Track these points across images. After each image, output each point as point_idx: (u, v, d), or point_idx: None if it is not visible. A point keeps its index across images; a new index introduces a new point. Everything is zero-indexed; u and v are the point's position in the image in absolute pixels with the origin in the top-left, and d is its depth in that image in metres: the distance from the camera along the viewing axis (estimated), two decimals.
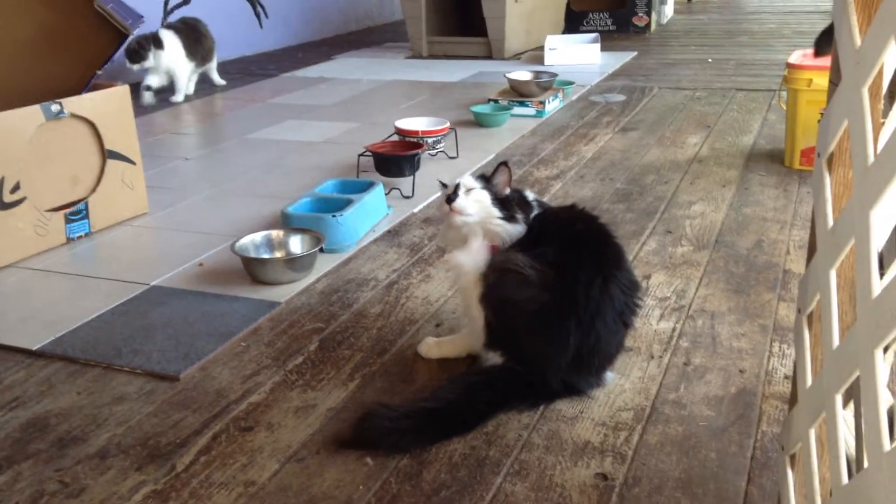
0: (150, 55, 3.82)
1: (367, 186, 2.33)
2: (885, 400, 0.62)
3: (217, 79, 4.46)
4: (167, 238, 2.30)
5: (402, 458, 1.31)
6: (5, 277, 2.04)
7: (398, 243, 2.21)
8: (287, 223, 2.14)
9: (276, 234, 2.09)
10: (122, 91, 2.36)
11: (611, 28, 5.95)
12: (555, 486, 1.24)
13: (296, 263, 1.98)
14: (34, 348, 1.69)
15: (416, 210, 2.44)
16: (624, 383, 1.51)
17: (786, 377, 1.51)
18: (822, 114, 0.91)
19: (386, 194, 2.42)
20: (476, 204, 1.52)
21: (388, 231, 2.29)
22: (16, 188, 2.08)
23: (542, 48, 4.94)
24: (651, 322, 1.73)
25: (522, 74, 3.74)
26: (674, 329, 1.70)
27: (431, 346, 1.63)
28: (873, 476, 0.61)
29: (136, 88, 3.75)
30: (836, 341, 0.77)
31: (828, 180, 0.86)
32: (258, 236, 2.07)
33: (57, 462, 1.33)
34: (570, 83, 3.94)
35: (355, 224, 2.17)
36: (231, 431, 1.40)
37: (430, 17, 5.25)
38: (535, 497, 1.22)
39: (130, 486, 1.27)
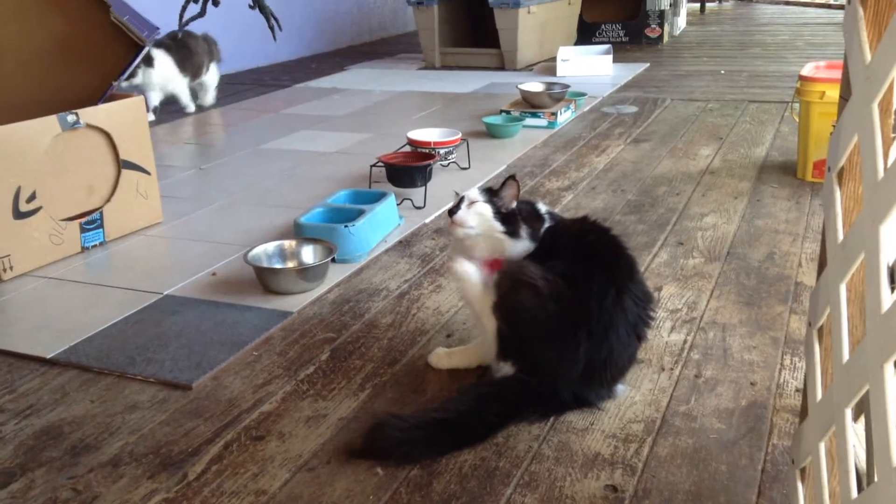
0: (140, 72, 3.75)
1: (380, 197, 2.34)
2: (895, 414, 0.62)
3: (208, 98, 4.27)
4: (181, 247, 2.32)
5: (412, 469, 1.32)
6: (21, 286, 2.06)
7: (409, 254, 2.22)
8: (299, 233, 2.15)
9: (289, 244, 2.10)
10: (137, 102, 2.38)
11: (623, 39, 5.96)
12: (565, 497, 1.24)
13: (308, 273, 1.99)
14: (48, 356, 1.70)
15: (427, 221, 2.45)
16: (634, 395, 1.51)
17: (797, 390, 1.51)
18: (834, 126, 0.91)
19: (398, 205, 2.43)
20: (477, 217, 1.52)
21: (400, 241, 2.30)
22: (32, 198, 2.10)
23: (554, 59, 4.95)
24: (662, 334, 1.73)
25: (535, 85, 3.75)
26: (685, 341, 1.70)
27: (442, 357, 1.63)
28: (883, 490, 0.61)
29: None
30: (846, 355, 0.77)
31: (838, 195, 0.87)
32: (271, 246, 2.08)
33: (70, 470, 1.34)
34: (583, 94, 3.95)
35: (367, 234, 2.18)
36: (242, 440, 1.41)
37: (443, 29, 5.28)
38: None
39: (143, 494, 1.28)
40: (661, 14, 5.86)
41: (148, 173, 2.42)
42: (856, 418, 1.04)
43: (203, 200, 2.71)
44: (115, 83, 2.36)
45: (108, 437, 1.43)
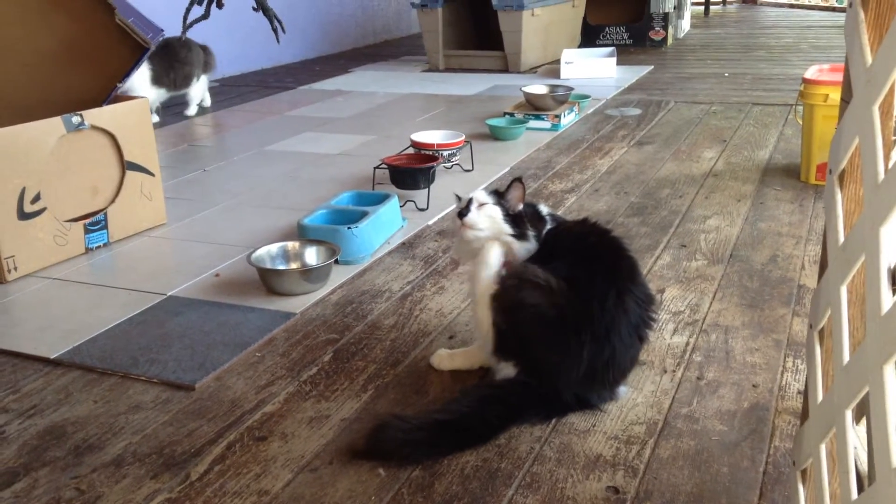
0: None
1: (383, 199, 2.34)
2: (894, 415, 0.62)
3: (190, 109, 4.12)
4: (184, 249, 2.32)
5: (414, 470, 1.32)
6: (25, 286, 2.06)
7: (412, 255, 2.22)
8: (303, 235, 2.16)
9: (292, 245, 2.11)
10: (141, 103, 2.39)
11: (627, 42, 5.96)
12: (566, 499, 1.24)
13: (311, 275, 1.99)
14: (52, 357, 1.71)
15: (430, 222, 2.45)
16: (637, 397, 1.51)
17: (799, 392, 1.51)
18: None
19: (401, 206, 2.44)
20: (488, 219, 1.53)
21: (403, 243, 2.30)
22: (36, 199, 2.11)
23: (558, 62, 4.96)
24: (664, 336, 1.73)
25: (538, 88, 3.76)
26: (687, 343, 1.70)
27: (444, 358, 1.63)
28: (883, 491, 0.61)
29: None
30: (846, 357, 0.77)
31: (839, 197, 0.87)
32: (274, 247, 2.09)
33: (73, 469, 1.35)
34: (586, 97, 3.95)
35: (370, 236, 2.19)
36: (245, 441, 1.41)
37: (447, 31, 5.29)
38: None
39: (145, 494, 1.28)
40: (665, 17, 5.86)
41: (152, 175, 2.43)
42: (857, 420, 1.04)
43: (207, 202, 2.71)
44: (119, 85, 2.36)
45: (112, 438, 1.43)
